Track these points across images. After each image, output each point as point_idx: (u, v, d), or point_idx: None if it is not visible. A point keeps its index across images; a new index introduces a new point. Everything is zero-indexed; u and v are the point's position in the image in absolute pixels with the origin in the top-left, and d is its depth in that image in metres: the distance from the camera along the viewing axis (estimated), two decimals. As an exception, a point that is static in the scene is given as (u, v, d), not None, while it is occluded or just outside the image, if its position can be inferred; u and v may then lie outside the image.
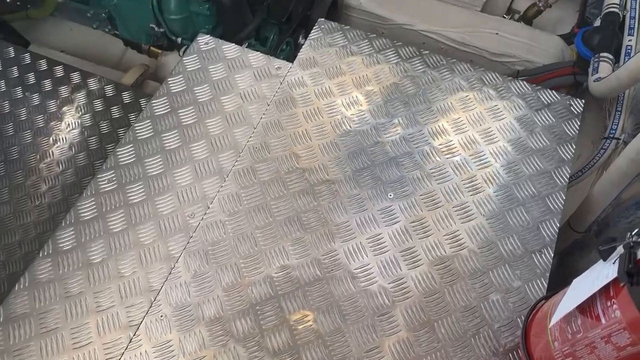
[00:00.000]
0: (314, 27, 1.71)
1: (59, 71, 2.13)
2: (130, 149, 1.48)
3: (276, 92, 1.57)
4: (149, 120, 1.53)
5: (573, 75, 2.15)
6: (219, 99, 1.57)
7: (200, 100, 1.57)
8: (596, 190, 1.52)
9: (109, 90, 2.07)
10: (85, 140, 1.90)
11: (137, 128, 1.51)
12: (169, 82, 1.60)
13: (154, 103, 1.56)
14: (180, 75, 1.61)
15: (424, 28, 2.42)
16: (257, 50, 2.06)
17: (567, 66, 2.18)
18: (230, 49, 1.67)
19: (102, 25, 2.25)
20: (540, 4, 2.45)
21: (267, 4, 1.83)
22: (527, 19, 2.53)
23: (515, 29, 2.41)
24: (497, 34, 2.38)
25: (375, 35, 1.70)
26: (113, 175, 1.43)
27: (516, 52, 2.34)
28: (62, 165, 1.84)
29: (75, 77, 2.11)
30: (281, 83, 1.59)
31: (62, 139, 1.91)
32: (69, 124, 1.95)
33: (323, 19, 1.73)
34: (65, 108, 2.02)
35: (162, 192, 1.39)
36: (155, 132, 1.51)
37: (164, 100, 1.57)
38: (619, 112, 1.78)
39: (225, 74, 1.61)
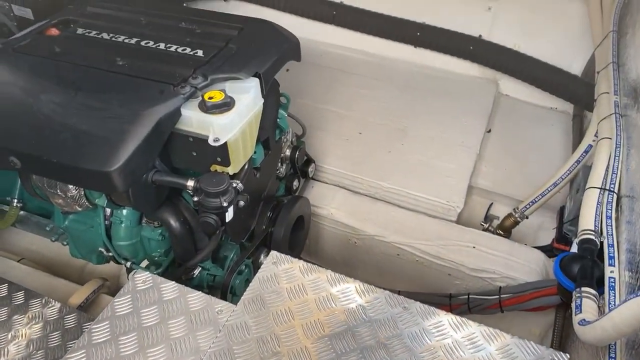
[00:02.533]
0: (265, 262, 1.59)
1: (2, 290, 1.99)
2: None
3: (212, 342, 1.38)
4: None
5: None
6: (144, 352, 1.37)
7: (124, 353, 1.37)
8: None
9: (52, 313, 1.90)
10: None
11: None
12: (93, 330, 1.43)
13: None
14: (107, 322, 1.44)
15: (396, 240, 2.32)
16: (214, 274, 1.95)
17: (552, 285, 2.01)
18: (169, 289, 1.53)
19: (61, 239, 2.17)
20: (516, 215, 2.38)
21: (227, 224, 1.74)
22: (505, 228, 2.44)
23: (493, 242, 2.30)
24: (474, 247, 2.27)
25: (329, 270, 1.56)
26: None
27: (495, 268, 2.19)
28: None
29: (19, 298, 1.95)
30: (220, 330, 1.41)
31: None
32: (1, 353, 1.74)
33: (276, 252, 1.61)
34: (-2, 335, 1.83)
35: None
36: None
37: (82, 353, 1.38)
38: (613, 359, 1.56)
39: (157, 320, 1.44)
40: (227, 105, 1.63)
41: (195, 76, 1.70)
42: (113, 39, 1.90)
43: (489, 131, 2.96)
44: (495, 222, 2.53)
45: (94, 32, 1.93)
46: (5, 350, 1.78)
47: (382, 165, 2.62)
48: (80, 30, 1.95)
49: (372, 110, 2.99)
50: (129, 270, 1.89)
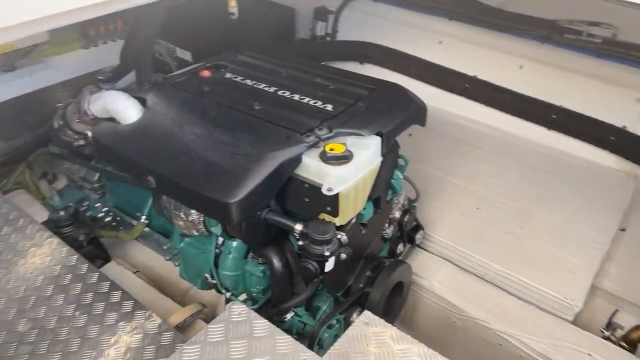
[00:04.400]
0: (357, 320, 1.55)
1: (116, 296, 2.16)
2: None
3: (291, 392, 1.36)
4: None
5: None
6: (226, 386, 1.39)
7: (207, 382, 1.40)
8: None
9: (152, 328, 2.01)
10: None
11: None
12: (184, 351, 1.48)
13: None
14: (198, 346, 1.49)
15: (501, 329, 2.14)
16: (305, 322, 1.95)
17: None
18: (261, 326, 1.55)
19: (174, 259, 2.32)
20: (647, 330, 2.08)
21: (325, 274, 1.75)
22: (631, 341, 2.14)
23: (615, 355, 2.03)
24: (589, 355, 2.01)
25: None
26: None
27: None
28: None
29: (127, 307, 2.11)
30: (300, 381, 1.39)
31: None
32: (102, 354, 1.87)
33: (369, 313, 1.57)
34: (104, 336, 1.98)
35: None
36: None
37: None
38: None
39: (244, 355, 1.46)
40: (345, 158, 1.67)
41: (321, 128, 1.79)
42: (255, 85, 2.07)
43: (623, 230, 2.67)
44: (619, 332, 2.23)
45: (240, 78, 2.13)
46: (106, 352, 1.92)
47: (497, 246, 2.47)
48: (228, 75, 2.16)
49: (493, 187, 2.87)
50: (227, 301, 1.96)
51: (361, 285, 2.09)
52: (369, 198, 1.89)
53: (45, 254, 2.33)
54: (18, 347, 1.93)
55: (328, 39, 3.49)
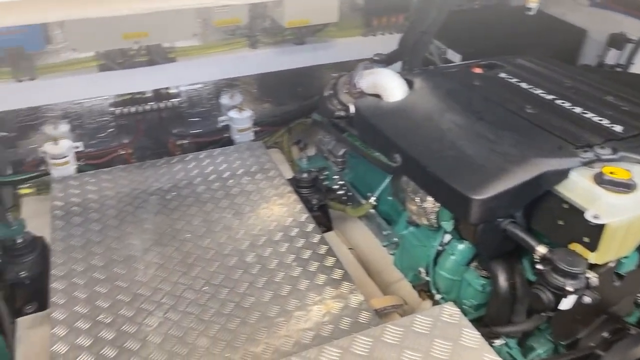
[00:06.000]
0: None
1: (329, 262, 2.24)
2: None
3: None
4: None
5: None
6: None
7: (403, 364, 1.33)
8: None
9: (354, 302, 2.03)
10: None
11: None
12: (386, 328, 1.44)
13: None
14: (402, 329, 1.43)
15: None
16: (513, 357, 1.72)
17: None
18: (471, 336, 1.41)
19: (389, 247, 2.32)
20: None
21: (557, 312, 1.51)
22: None
23: None
24: None
25: None
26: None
27: None
28: None
29: (337, 274, 2.17)
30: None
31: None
32: (305, 307, 1.98)
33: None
34: (311, 293, 2.08)
35: None
36: None
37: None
38: None
39: (445, 357, 1.34)
40: (627, 186, 1.40)
41: (603, 147, 1.54)
42: (530, 89, 1.91)
43: None
44: None
45: (514, 80, 1.99)
46: (309, 307, 2.01)
47: None
48: (502, 74, 2.04)
49: None
50: (434, 302, 1.85)
51: (592, 344, 1.75)
52: (639, 247, 1.56)
53: (283, 205, 2.57)
54: (242, 275, 2.16)
55: (619, 69, 3.06)
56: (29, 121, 2.86)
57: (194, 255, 2.24)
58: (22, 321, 2.11)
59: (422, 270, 1.90)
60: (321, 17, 2.88)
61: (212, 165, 2.87)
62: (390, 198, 2.29)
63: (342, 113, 2.29)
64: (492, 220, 1.55)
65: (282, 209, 2.55)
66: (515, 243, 1.59)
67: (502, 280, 1.63)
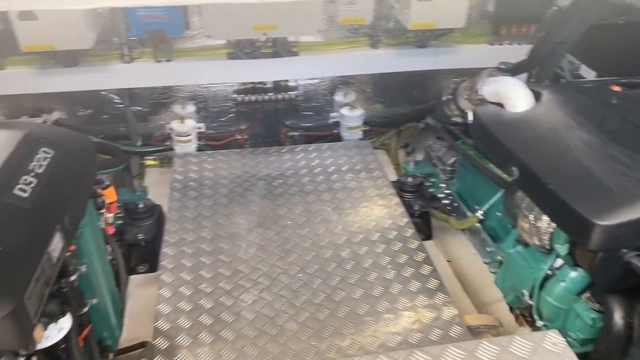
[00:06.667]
0: None
1: (426, 270, 2.19)
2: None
3: None
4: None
5: None
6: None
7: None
8: None
9: (447, 315, 1.97)
10: None
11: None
12: (480, 344, 1.37)
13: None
14: (498, 348, 1.35)
15: None
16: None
17: None
18: (573, 370, 1.30)
19: (491, 265, 2.21)
20: None
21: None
22: None
23: None
24: None
25: None
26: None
27: None
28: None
29: (432, 284, 2.12)
30: None
31: None
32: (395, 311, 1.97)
33: None
34: (403, 298, 2.05)
35: None
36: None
37: None
38: None
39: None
40: None
41: None
42: (682, 114, 1.71)
43: None
44: None
45: (661, 102, 1.80)
46: (399, 312, 1.97)
47: None
48: (645, 95, 1.86)
49: None
50: (535, 328, 1.73)
51: None
52: None
53: (384, 206, 2.55)
54: (336, 268, 2.18)
55: None
56: (161, 99, 3.12)
57: (292, 242, 2.31)
58: (134, 279, 2.31)
59: (525, 293, 1.78)
60: (447, 21, 2.82)
61: (319, 159, 2.93)
62: (499, 214, 2.18)
63: (459, 119, 2.23)
64: (615, 249, 1.41)
65: (382, 209, 2.53)
66: (639, 279, 1.44)
67: (618, 318, 1.47)
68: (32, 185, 1.26)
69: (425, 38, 3.00)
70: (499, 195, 2.17)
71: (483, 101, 2.05)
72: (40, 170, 1.32)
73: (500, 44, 3.08)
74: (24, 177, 1.27)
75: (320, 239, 2.34)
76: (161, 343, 1.81)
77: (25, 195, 1.22)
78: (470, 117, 2.07)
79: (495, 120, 1.88)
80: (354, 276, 2.14)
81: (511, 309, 2.04)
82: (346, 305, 2.00)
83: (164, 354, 1.77)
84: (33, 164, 1.33)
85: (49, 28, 2.40)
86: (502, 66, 2.20)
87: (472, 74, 2.81)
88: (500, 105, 1.93)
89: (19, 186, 1.23)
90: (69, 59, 2.65)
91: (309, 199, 2.60)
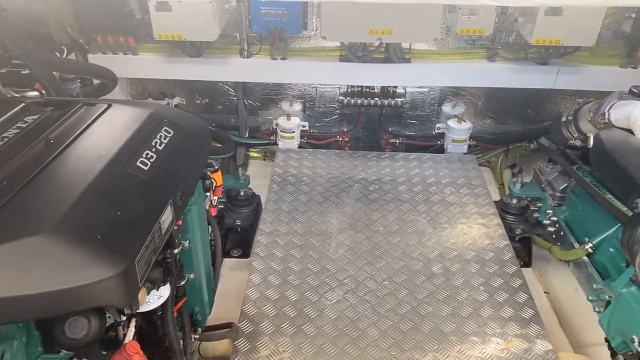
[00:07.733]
0: None
1: (521, 298, 2.07)
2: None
3: None
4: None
5: None
6: None
7: None
8: None
9: (539, 348, 1.84)
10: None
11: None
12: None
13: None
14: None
15: None
16: None
17: None
18: None
19: (597, 304, 2.02)
20: None
21: None
22: None
23: None
24: None
25: None
26: None
27: None
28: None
29: (526, 313, 1.99)
30: None
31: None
32: (483, 336, 1.87)
33: None
34: (492, 323, 1.94)
35: None
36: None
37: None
38: None
39: None
40: None
41: None
42: None
43: None
44: None
45: None
46: (488, 337, 1.86)
47: None
48: None
49: None
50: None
51: None
52: None
53: (483, 226, 2.44)
54: (424, 282, 2.11)
55: None
56: (272, 95, 3.23)
57: (382, 248, 2.28)
58: (227, 261, 2.41)
59: (636, 339, 1.60)
60: (575, 39, 2.63)
61: (419, 169, 2.87)
62: (612, 249, 1.99)
63: (578, 143, 2.06)
64: None
65: (481, 229, 2.42)
66: None
67: None
68: (152, 159, 1.35)
69: (548, 55, 2.83)
70: (614, 228, 1.99)
71: (609, 125, 1.89)
72: (160, 147, 1.42)
73: (634, 67, 2.82)
74: (147, 152, 1.37)
75: (411, 249, 2.29)
76: (246, 327, 1.87)
77: (145, 168, 1.32)
78: (591, 141, 1.91)
79: (622, 147, 1.72)
80: (443, 292, 2.07)
81: (613, 355, 1.85)
82: (431, 321, 1.93)
83: (247, 337, 1.83)
84: (155, 140, 1.43)
85: (181, 19, 2.58)
86: (636, 90, 2.01)
87: (596, 96, 2.60)
88: (629, 131, 1.77)
89: (141, 159, 1.34)
90: (194, 49, 2.84)
91: (403, 208, 2.56)
